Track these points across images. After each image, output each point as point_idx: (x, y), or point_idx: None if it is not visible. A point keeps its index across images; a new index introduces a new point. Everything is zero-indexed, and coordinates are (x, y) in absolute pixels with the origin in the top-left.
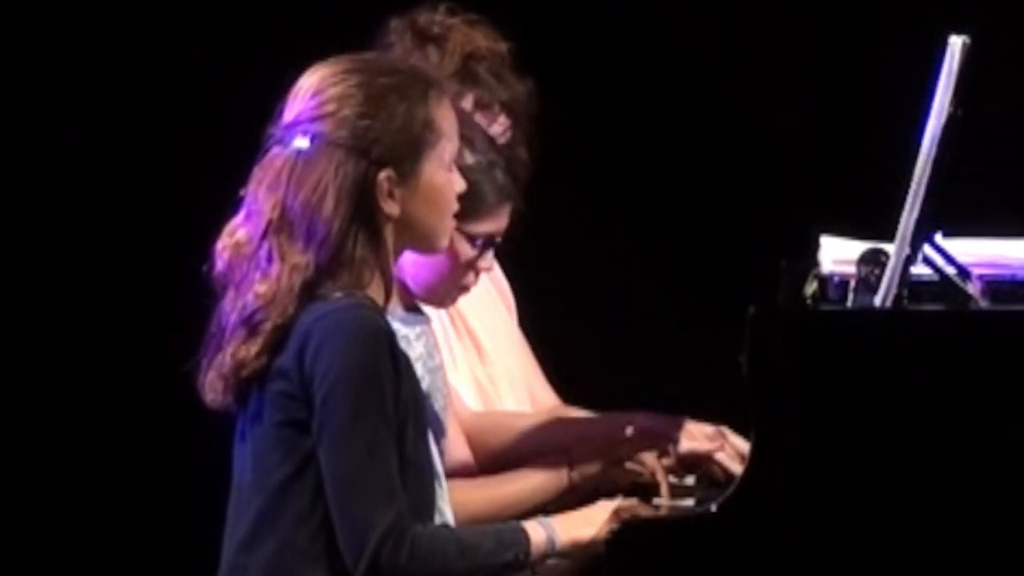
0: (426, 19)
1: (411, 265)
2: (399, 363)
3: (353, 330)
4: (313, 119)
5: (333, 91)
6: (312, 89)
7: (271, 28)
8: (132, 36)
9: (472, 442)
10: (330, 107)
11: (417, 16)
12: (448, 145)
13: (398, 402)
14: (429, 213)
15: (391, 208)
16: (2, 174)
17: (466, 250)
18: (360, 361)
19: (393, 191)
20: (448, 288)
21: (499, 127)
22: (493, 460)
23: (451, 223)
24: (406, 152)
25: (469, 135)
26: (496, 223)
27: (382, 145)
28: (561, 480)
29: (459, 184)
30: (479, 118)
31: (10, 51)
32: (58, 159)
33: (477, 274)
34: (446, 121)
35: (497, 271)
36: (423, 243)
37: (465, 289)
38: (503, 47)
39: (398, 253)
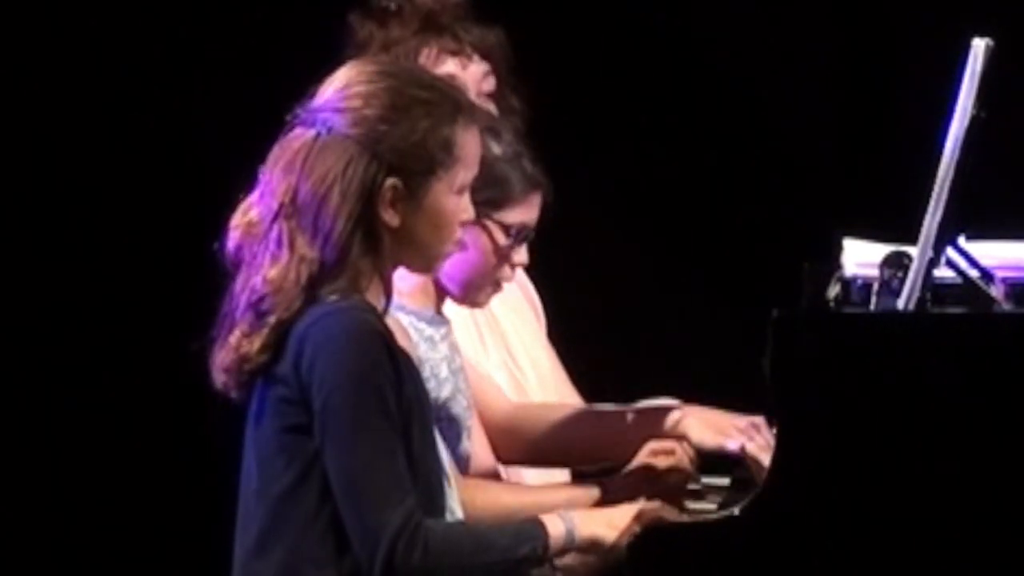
0: (379, 3)
1: (447, 264)
2: (398, 363)
3: (348, 332)
4: (336, 110)
5: (362, 88)
6: (343, 82)
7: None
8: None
9: (511, 433)
10: (355, 103)
11: (371, 2)
12: (463, 172)
13: (400, 401)
14: (428, 233)
15: (390, 218)
16: (16, 153)
17: (500, 238)
18: (356, 363)
19: (396, 202)
20: (484, 283)
21: (478, 67)
22: (531, 451)
23: (450, 249)
24: (418, 167)
25: (495, 127)
26: (527, 212)
27: (395, 153)
28: (592, 500)
29: (467, 212)
30: (452, 65)
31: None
32: (72, 138)
33: (512, 268)
34: (467, 148)
35: (525, 280)
36: (416, 262)
37: (499, 285)
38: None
39: (395, 266)
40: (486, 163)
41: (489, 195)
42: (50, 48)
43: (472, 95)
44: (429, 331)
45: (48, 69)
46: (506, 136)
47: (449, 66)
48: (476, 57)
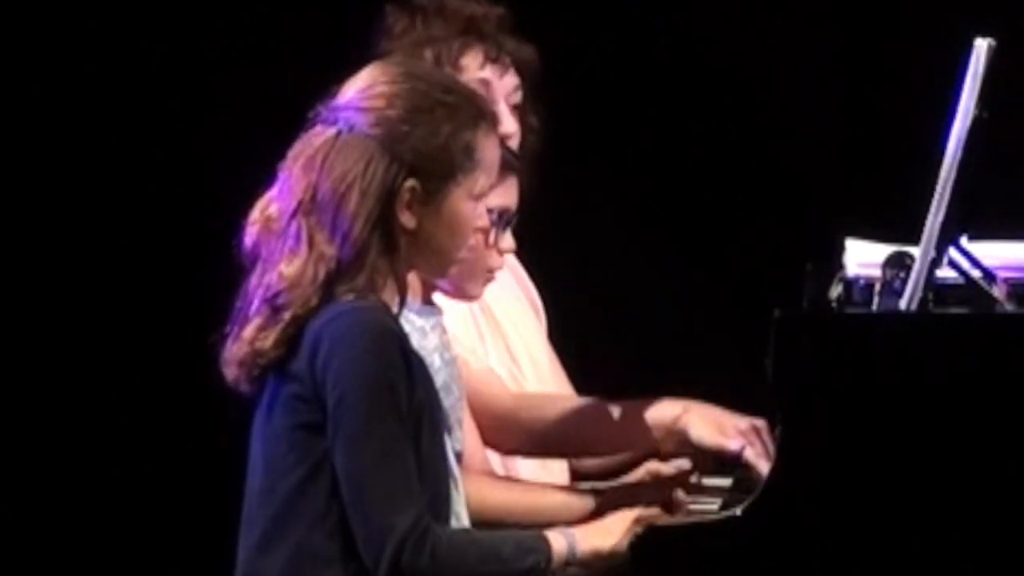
0: (419, 1)
1: None
2: (411, 364)
3: (364, 332)
4: (358, 109)
5: (385, 88)
6: (367, 81)
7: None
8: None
9: (511, 423)
10: (377, 103)
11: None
12: (482, 178)
13: (412, 403)
14: (444, 237)
15: (407, 220)
16: (30, 149)
17: (484, 223)
18: (371, 362)
19: (413, 204)
20: (476, 273)
21: (512, 79)
22: (530, 441)
23: (463, 255)
24: (437, 170)
25: None
26: (505, 195)
27: (416, 155)
28: (586, 506)
29: (482, 219)
30: (491, 71)
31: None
32: (87, 133)
33: (501, 255)
34: (487, 153)
35: (526, 280)
36: (430, 266)
37: (491, 274)
38: (500, 11)
39: (409, 268)
40: None
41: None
42: (60, 47)
43: (501, 105)
44: (419, 321)
45: (62, 67)
46: None
47: (487, 72)
48: (512, 70)
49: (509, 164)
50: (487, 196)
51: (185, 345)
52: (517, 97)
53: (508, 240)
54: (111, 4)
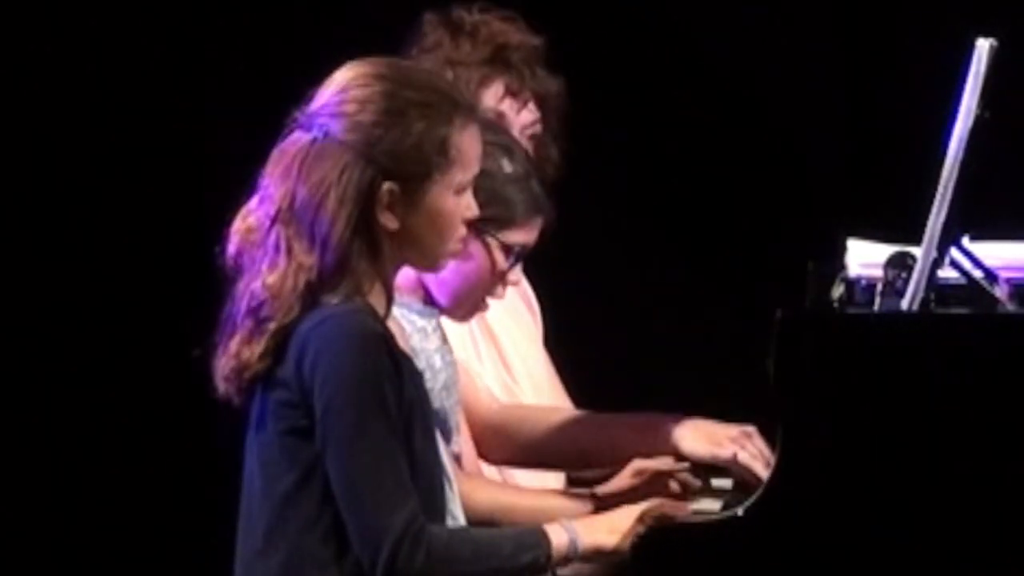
0: (459, 14)
1: (447, 270)
2: (399, 365)
3: (350, 335)
4: (332, 115)
5: (357, 92)
6: (340, 85)
7: (305, 22)
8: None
9: (500, 434)
10: (350, 108)
11: (452, 11)
12: (460, 173)
13: (401, 404)
14: (429, 234)
15: (388, 221)
16: (17, 157)
17: (501, 260)
18: (359, 365)
19: (393, 205)
20: (475, 299)
21: (529, 115)
22: (520, 453)
23: (454, 247)
24: (414, 170)
25: (509, 145)
26: (527, 234)
27: (391, 157)
28: (584, 510)
29: (469, 210)
30: (508, 104)
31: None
32: (74, 141)
33: (504, 287)
34: (465, 148)
35: (525, 283)
36: (420, 261)
37: (487, 304)
38: (536, 41)
39: (397, 267)
40: (496, 180)
41: (494, 213)
42: (51, 50)
43: (516, 134)
44: (421, 322)
45: (49, 72)
46: (518, 155)
47: (504, 106)
48: (531, 105)
49: (540, 206)
50: (512, 234)
51: (182, 346)
52: (535, 129)
53: (516, 273)
54: (111, 4)
